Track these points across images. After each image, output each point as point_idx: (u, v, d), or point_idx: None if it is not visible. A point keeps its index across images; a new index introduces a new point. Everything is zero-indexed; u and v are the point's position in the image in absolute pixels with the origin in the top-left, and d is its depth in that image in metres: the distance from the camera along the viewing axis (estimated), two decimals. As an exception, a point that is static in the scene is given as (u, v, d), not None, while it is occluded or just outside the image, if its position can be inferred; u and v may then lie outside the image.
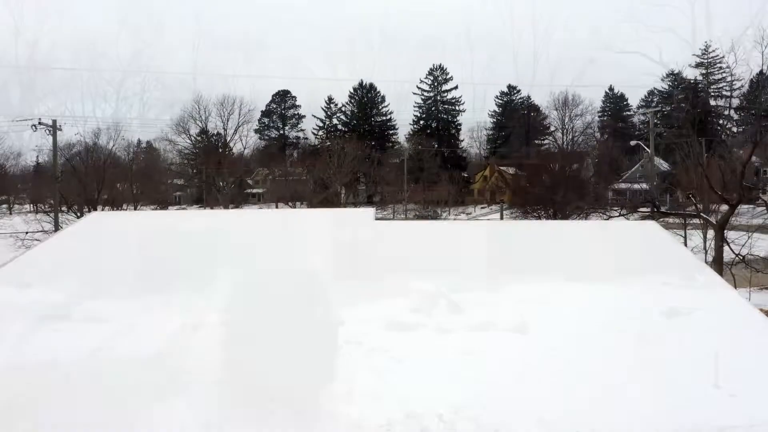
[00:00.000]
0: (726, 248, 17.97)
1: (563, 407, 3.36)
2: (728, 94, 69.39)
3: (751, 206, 29.88)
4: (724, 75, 66.62)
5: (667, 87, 73.55)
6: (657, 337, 4.42)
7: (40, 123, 29.14)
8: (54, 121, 29.41)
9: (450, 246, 7.64)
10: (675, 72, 63.13)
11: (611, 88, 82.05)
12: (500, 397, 3.44)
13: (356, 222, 9.03)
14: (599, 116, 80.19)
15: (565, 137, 73.40)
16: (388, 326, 4.82)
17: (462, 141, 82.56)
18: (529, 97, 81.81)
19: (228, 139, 73.61)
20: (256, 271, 6.60)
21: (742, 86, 55.42)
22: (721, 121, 66.70)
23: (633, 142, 49.13)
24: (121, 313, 4.99)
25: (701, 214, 19.94)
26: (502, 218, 39.20)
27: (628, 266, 6.44)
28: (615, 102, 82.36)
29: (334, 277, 6.46)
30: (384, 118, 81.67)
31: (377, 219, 9.54)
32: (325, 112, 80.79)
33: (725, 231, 18.33)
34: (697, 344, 4.27)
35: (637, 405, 3.47)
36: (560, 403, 3.39)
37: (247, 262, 6.91)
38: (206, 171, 64.45)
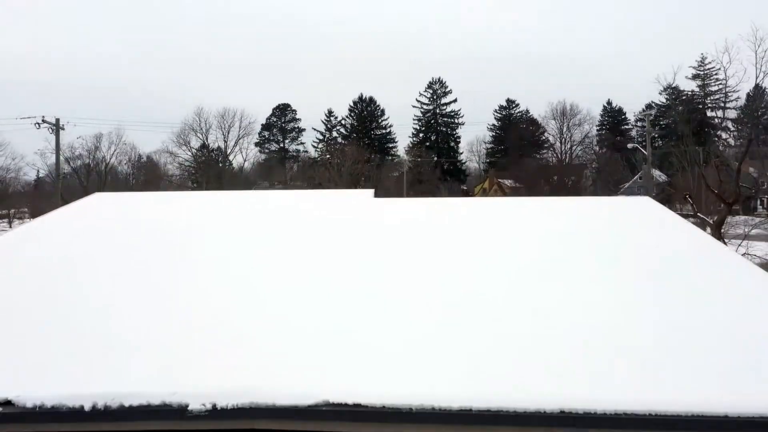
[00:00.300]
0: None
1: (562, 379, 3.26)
2: (726, 105, 69.84)
3: (750, 217, 30.09)
4: (720, 86, 67.12)
5: (664, 100, 74.00)
6: (669, 304, 4.40)
7: (43, 121, 29.42)
8: (57, 120, 29.73)
9: (448, 220, 7.76)
10: (672, 85, 63.53)
11: (609, 102, 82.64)
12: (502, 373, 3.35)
13: (356, 200, 9.16)
14: (597, 129, 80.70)
15: (563, 146, 73.85)
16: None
17: (461, 153, 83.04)
18: (528, 111, 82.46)
19: (228, 151, 73.93)
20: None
21: (738, 98, 55.77)
22: (718, 132, 67.08)
23: (631, 145, 49.54)
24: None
25: (698, 214, 20.08)
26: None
27: (628, 236, 6.53)
28: (613, 116, 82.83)
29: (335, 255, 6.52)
30: (384, 131, 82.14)
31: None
32: (325, 125, 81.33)
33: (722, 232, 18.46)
34: (713, 314, 4.22)
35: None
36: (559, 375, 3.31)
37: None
38: (206, 184, 64.60)
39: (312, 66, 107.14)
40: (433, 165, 70.54)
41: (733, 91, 48.01)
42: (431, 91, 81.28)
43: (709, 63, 68.00)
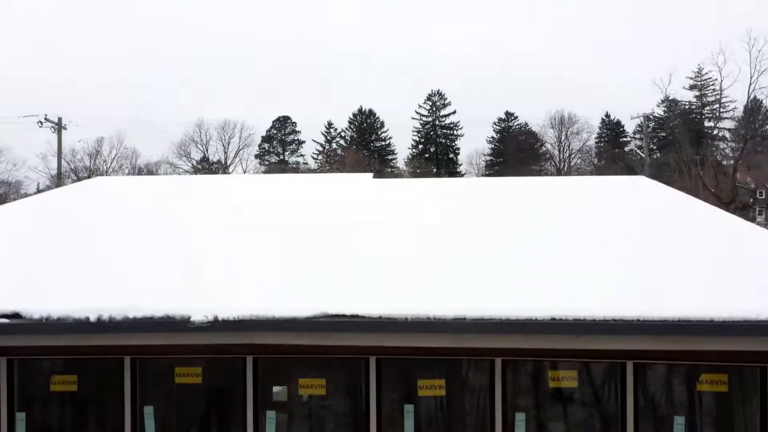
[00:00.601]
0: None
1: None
2: (723, 116, 70.17)
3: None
4: (717, 97, 67.48)
5: (662, 113, 74.34)
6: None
7: (46, 119, 29.50)
8: (59, 119, 29.76)
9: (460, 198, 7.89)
10: (669, 91, 63.85)
11: (607, 115, 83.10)
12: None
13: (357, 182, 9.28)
14: (596, 141, 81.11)
15: (561, 154, 74.19)
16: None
17: (461, 165, 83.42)
18: (526, 124, 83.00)
19: (228, 162, 74.29)
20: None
21: (735, 107, 56.16)
22: (716, 143, 67.39)
23: (628, 148, 49.93)
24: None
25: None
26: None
27: (631, 206, 6.65)
28: (611, 128, 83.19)
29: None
30: (383, 142, 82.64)
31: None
32: (325, 136, 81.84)
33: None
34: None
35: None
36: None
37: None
38: (206, 194, 64.57)
39: (312, 76, 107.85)
40: (433, 176, 70.84)
41: (731, 101, 48.37)
42: (430, 103, 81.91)
43: (706, 73, 68.47)
